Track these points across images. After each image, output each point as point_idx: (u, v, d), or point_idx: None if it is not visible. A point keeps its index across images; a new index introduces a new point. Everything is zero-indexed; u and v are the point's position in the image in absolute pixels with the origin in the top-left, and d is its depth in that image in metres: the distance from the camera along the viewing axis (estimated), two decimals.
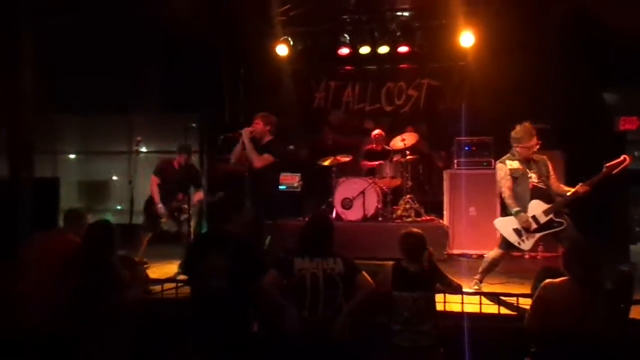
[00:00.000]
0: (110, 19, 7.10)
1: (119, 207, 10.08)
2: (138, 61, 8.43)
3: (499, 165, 4.47)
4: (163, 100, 8.87)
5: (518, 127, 4.39)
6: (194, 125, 5.05)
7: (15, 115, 5.30)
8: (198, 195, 5.56)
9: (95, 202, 10.57)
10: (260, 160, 4.76)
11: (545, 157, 4.43)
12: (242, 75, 8.50)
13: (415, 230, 3.37)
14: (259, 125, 4.93)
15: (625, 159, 4.05)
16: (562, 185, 4.35)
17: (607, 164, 4.08)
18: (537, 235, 4.20)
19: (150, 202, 5.61)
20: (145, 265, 4.00)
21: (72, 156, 10.76)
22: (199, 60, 7.94)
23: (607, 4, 5.78)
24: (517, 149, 4.36)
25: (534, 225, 4.20)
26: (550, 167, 4.39)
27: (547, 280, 2.98)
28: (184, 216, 5.45)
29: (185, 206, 5.41)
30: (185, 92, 8.19)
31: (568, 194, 4.17)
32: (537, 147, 4.33)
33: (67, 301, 3.08)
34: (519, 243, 4.27)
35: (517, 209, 4.24)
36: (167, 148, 8.21)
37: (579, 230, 4.16)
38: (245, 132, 4.84)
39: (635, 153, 8.32)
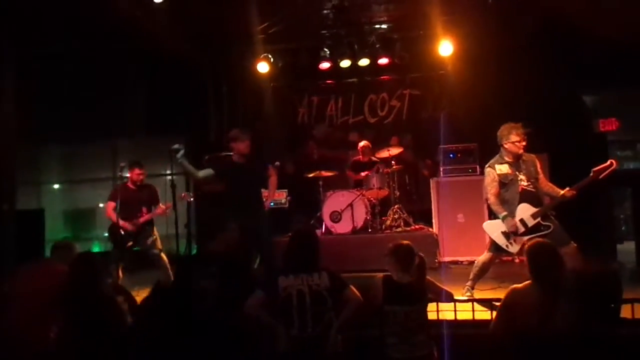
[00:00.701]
0: (91, 44, 7.08)
1: (106, 235, 9.95)
2: (119, 86, 8.40)
3: (487, 170, 4.46)
4: (147, 123, 8.84)
5: (502, 126, 4.43)
6: (177, 146, 4.87)
7: None
8: (160, 209, 5.52)
9: (81, 231, 10.44)
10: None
11: (534, 156, 4.44)
12: (225, 94, 8.51)
13: (404, 241, 3.34)
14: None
15: (612, 163, 4.07)
16: (551, 185, 4.35)
17: (595, 169, 4.11)
18: (525, 238, 4.21)
19: (112, 228, 5.53)
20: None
21: (56, 186, 10.64)
22: (181, 82, 7.95)
23: (580, 10, 5.90)
24: (505, 146, 4.37)
25: (522, 229, 4.22)
26: (539, 167, 4.40)
27: (513, 286, 3.00)
28: (150, 239, 5.45)
29: (154, 232, 5.48)
30: (169, 114, 8.18)
31: (558, 195, 4.19)
32: (524, 143, 4.35)
33: (58, 337, 2.99)
34: (507, 246, 4.29)
35: (505, 213, 4.27)
36: (153, 172, 8.16)
37: (566, 233, 4.18)
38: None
39: (618, 153, 8.46)
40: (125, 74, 8.33)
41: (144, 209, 5.55)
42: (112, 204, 5.51)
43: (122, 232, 5.43)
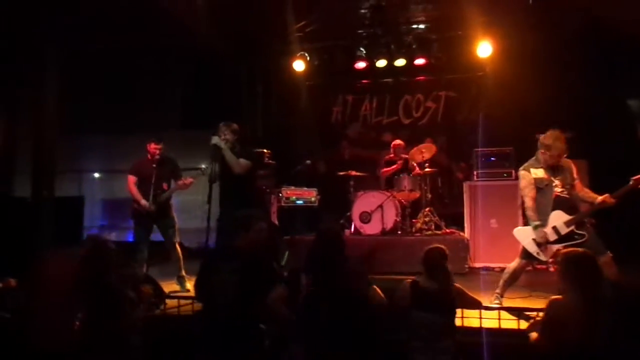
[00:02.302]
0: (134, 40, 7.27)
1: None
2: (159, 80, 8.61)
3: (522, 173, 4.30)
4: (184, 117, 9.03)
5: (548, 133, 4.22)
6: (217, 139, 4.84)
7: (38, 136, 5.42)
8: (181, 182, 5.36)
9: (119, 220, 10.73)
10: (239, 166, 4.67)
11: (570, 161, 4.25)
12: (260, 90, 8.59)
13: (438, 245, 3.30)
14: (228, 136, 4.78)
15: None
16: (588, 191, 4.18)
17: (634, 178, 3.93)
18: (557, 246, 4.07)
19: (134, 206, 5.42)
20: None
21: (96, 174, 10.97)
22: (218, 78, 8.08)
23: (625, 12, 5.66)
24: (544, 155, 4.22)
25: (554, 237, 4.08)
26: (575, 172, 4.22)
27: (551, 297, 2.87)
28: (171, 230, 5.36)
29: (175, 222, 5.41)
30: (205, 109, 8.32)
31: (596, 202, 4.02)
32: (565, 155, 4.19)
33: (73, 324, 3.05)
34: (537, 253, 4.15)
35: (537, 223, 4.11)
36: (190, 165, 8.30)
37: (602, 242, 4.02)
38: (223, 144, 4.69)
39: None
40: (165, 69, 8.53)
41: (164, 185, 5.41)
42: (133, 179, 5.46)
43: (143, 211, 5.34)
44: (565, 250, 3.05)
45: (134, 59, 7.78)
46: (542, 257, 4.16)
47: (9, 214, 5.55)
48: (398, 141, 7.47)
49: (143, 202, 5.32)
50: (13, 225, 5.22)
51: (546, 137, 4.20)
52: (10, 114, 8.17)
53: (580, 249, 3.05)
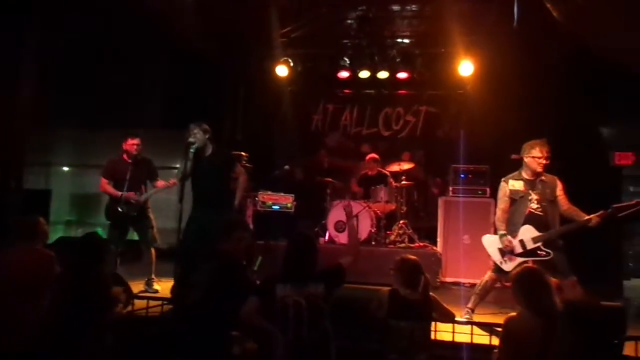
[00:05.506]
0: (111, 32, 7.11)
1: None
2: (139, 77, 8.44)
3: (501, 183, 4.45)
4: (163, 116, 8.86)
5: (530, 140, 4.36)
6: (192, 140, 4.72)
7: (9, 126, 5.23)
8: (160, 183, 5.26)
9: (87, 216, 10.45)
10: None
11: (556, 178, 4.32)
12: (242, 93, 8.52)
13: (411, 256, 3.32)
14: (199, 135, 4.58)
15: (638, 203, 3.92)
16: (575, 208, 4.20)
17: (615, 205, 3.98)
18: (520, 259, 4.20)
19: (110, 205, 5.20)
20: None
21: (66, 169, 10.68)
22: (200, 79, 7.97)
23: (604, 40, 5.83)
24: (526, 160, 4.31)
25: (519, 250, 4.20)
26: (560, 188, 4.27)
27: (509, 315, 2.91)
28: (150, 231, 5.22)
29: (153, 223, 5.29)
30: (186, 109, 8.18)
31: (582, 219, 4.07)
32: (545, 161, 4.26)
33: (46, 317, 2.95)
34: (501, 263, 4.31)
35: (503, 232, 4.27)
36: (165, 164, 8.15)
37: (568, 265, 4.09)
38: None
39: (631, 188, 8.31)
40: (146, 66, 8.37)
41: (143, 187, 5.23)
42: (105, 180, 5.23)
43: (120, 210, 5.14)
44: (518, 267, 3.09)
45: (114, 53, 7.59)
46: (505, 267, 4.28)
47: None
48: (372, 155, 7.46)
49: (121, 194, 5.07)
50: None
51: (527, 143, 4.35)
52: None
53: (530, 266, 3.10)
